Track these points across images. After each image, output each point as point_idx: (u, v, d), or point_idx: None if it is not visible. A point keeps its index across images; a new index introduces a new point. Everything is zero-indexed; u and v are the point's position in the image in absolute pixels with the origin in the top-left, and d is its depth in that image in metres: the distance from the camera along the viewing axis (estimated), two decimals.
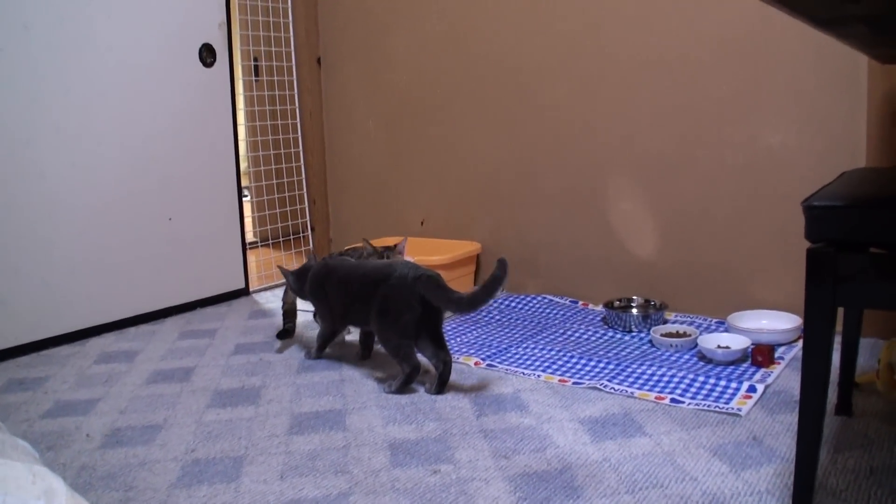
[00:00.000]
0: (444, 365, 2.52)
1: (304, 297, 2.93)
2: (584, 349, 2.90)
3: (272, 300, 3.77)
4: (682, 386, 2.48)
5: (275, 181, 4.21)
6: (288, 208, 4.27)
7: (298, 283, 2.91)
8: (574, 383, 2.55)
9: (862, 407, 2.27)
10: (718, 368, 2.64)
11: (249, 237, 4.38)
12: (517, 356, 2.84)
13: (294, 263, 3.48)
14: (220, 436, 2.22)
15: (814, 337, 1.56)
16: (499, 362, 2.77)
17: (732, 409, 2.29)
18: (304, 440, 2.18)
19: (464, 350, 2.92)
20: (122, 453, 2.12)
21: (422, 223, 4.01)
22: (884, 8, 1.22)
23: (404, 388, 2.53)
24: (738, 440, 2.09)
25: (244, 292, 3.87)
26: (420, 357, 2.54)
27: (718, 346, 2.75)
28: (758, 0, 1.30)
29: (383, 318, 2.54)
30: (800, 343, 2.79)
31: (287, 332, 3.07)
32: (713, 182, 3.16)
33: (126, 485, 1.94)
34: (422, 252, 3.41)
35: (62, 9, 3.06)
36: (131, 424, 2.32)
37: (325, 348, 2.92)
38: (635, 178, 3.34)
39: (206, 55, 3.56)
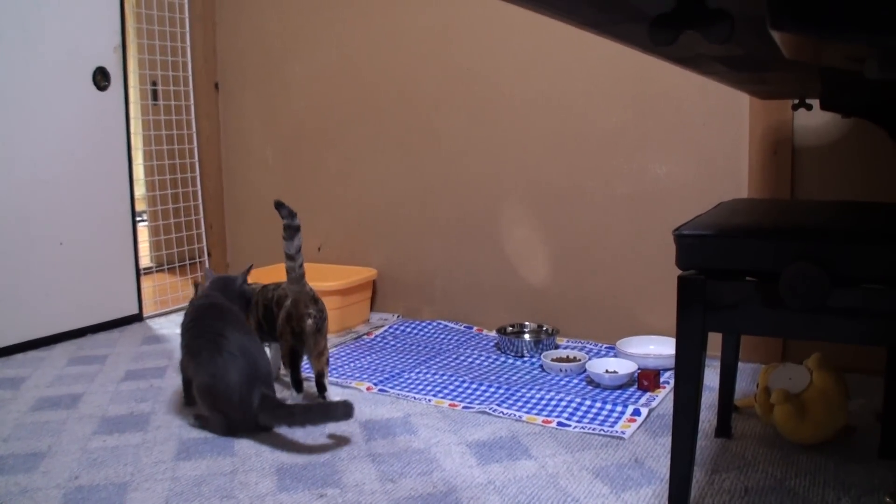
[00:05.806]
0: None
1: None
2: (475, 374, 2.93)
3: (166, 326, 3.72)
4: (570, 410, 2.54)
5: (171, 206, 4.17)
6: (185, 233, 4.22)
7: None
8: (464, 408, 2.58)
9: (741, 429, 2.36)
10: (606, 393, 2.70)
11: (145, 262, 4.31)
12: (409, 381, 2.86)
13: (190, 290, 3.44)
14: (106, 462, 2.18)
15: (685, 361, 1.62)
16: (390, 387, 2.79)
17: (616, 432, 2.35)
18: (190, 466, 2.16)
19: (356, 375, 2.93)
20: (3, 482, 2.07)
21: (319, 249, 4.01)
22: (723, 49, 1.29)
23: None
24: (620, 462, 2.15)
25: (137, 318, 3.81)
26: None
27: (606, 371, 2.81)
28: None
29: None
30: None
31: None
32: (603, 211, 3.24)
33: None
34: (318, 278, 3.41)
35: None
36: (14, 452, 2.26)
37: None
38: (528, 206, 3.41)
39: (100, 79, 3.51)
